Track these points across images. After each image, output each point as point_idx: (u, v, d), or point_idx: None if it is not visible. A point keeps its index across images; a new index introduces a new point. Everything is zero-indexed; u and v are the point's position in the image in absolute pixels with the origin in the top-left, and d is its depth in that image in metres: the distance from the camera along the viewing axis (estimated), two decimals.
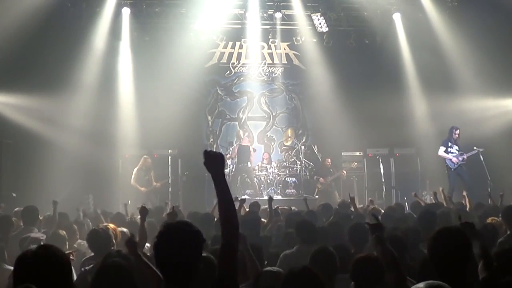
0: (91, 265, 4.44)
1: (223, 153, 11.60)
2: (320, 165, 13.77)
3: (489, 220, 5.81)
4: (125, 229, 5.21)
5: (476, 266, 3.21)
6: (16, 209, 7.66)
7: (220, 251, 2.50)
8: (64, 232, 5.56)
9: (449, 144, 11.15)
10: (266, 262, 4.57)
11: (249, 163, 13.48)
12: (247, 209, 7.87)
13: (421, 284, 2.34)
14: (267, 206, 7.88)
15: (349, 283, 3.60)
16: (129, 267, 3.23)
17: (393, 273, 3.17)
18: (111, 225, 5.07)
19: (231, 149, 13.97)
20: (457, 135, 11.12)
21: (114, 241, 4.68)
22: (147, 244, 5.21)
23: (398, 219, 6.25)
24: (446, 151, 11.15)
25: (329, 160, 13.49)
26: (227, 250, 2.49)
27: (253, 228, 5.71)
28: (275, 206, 7.82)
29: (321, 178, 13.26)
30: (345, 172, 13.30)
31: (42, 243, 5.15)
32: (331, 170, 13.38)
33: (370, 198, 10.08)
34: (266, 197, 12.49)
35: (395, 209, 7.89)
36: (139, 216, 5.73)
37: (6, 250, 5.06)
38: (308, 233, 5.03)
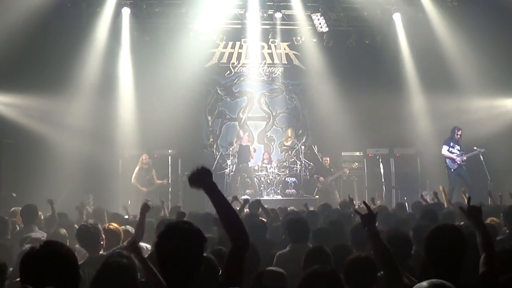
0: (82, 261, 4.43)
1: (223, 153, 11.57)
2: (319, 164, 13.77)
3: (488, 220, 5.81)
4: (128, 227, 5.16)
5: (478, 259, 3.19)
6: (13, 208, 7.64)
7: (229, 254, 2.51)
8: (65, 231, 5.55)
9: (451, 143, 11.14)
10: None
11: (249, 163, 13.48)
12: (246, 210, 7.85)
13: (425, 283, 2.34)
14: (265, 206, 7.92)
15: None
16: (131, 267, 3.22)
17: (387, 268, 3.14)
18: (114, 224, 5.03)
19: (231, 148, 13.96)
20: (459, 136, 11.10)
21: (103, 236, 4.65)
22: (148, 245, 5.20)
23: (399, 220, 6.24)
24: (448, 151, 11.14)
25: (328, 160, 13.48)
26: (236, 255, 2.50)
27: (260, 232, 5.71)
28: (277, 206, 7.84)
29: (321, 178, 13.25)
30: (347, 170, 13.29)
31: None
32: (332, 169, 13.37)
33: (371, 197, 10.06)
34: (266, 197, 12.58)
35: (387, 208, 7.93)
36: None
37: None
38: (298, 232, 5.00)
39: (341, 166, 13.54)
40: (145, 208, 4.80)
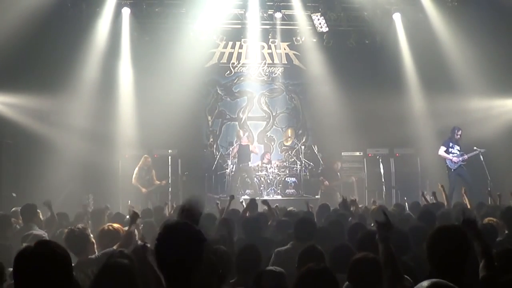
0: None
1: (223, 153, 11.61)
2: (327, 166, 13.70)
3: (486, 220, 5.81)
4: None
5: (477, 265, 3.20)
6: (14, 209, 7.65)
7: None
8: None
9: (450, 144, 11.14)
10: None
11: (249, 163, 13.48)
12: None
13: (425, 283, 2.33)
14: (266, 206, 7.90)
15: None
16: (131, 267, 3.21)
17: (389, 270, 3.15)
18: (116, 225, 5.02)
19: (231, 148, 13.96)
20: (459, 136, 11.09)
21: (93, 240, 4.64)
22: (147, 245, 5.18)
23: (399, 220, 6.24)
24: (447, 151, 11.13)
25: (339, 164, 13.41)
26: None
27: (257, 228, 5.71)
28: (275, 206, 7.85)
29: (326, 182, 13.19)
30: (355, 179, 13.23)
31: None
32: (338, 173, 13.33)
33: (372, 199, 10.06)
34: (266, 197, 12.55)
35: (386, 208, 7.91)
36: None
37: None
38: (306, 232, 5.01)
39: (349, 174, 13.45)
40: (134, 216, 4.78)
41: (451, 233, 3.01)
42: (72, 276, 2.36)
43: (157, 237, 2.41)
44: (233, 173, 13.49)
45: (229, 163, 13.60)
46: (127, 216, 7.46)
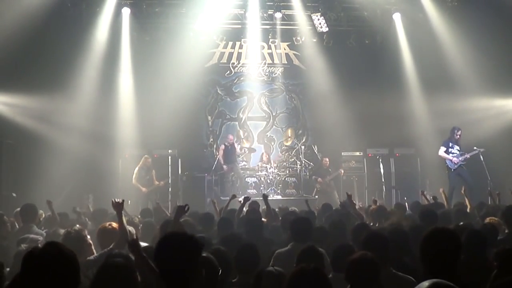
0: None
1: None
2: (318, 165, 13.77)
3: (487, 220, 5.82)
4: (130, 228, 5.15)
5: (476, 257, 3.16)
6: (17, 209, 7.64)
7: None
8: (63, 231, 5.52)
9: (450, 144, 11.14)
10: None
11: (236, 163, 13.48)
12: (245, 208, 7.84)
13: (426, 283, 2.33)
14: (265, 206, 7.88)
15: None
16: (130, 267, 3.22)
17: None
18: (114, 224, 4.99)
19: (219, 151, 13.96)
20: (458, 136, 11.09)
21: (90, 241, 4.62)
22: (146, 244, 5.18)
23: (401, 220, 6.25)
24: (447, 152, 11.13)
25: (327, 160, 13.48)
26: None
27: (256, 228, 5.70)
28: (277, 206, 7.84)
29: (319, 179, 13.26)
30: (342, 171, 13.30)
31: (39, 244, 5.10)
32: (330, 170, 13.39)
33: (373, 198, 10.04)
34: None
35: (386, 208, 7.93)
36: (137, 216, 5.69)
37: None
38: (302, 231, 4.97)
39: (340, 166, 13.53)
40: (118, 206, 4.58)
41: (444, 236, 3.02)
42: (79, 278, 2.37)
43: (156, 246, 2.55)
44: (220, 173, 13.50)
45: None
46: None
